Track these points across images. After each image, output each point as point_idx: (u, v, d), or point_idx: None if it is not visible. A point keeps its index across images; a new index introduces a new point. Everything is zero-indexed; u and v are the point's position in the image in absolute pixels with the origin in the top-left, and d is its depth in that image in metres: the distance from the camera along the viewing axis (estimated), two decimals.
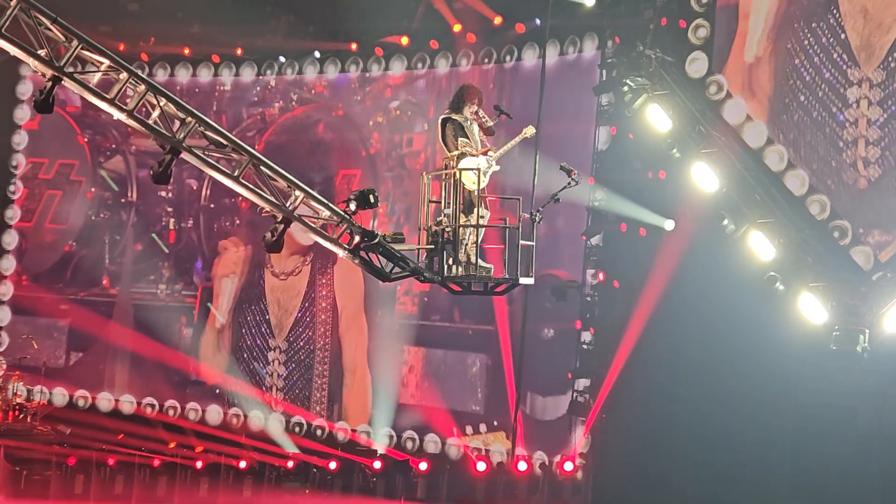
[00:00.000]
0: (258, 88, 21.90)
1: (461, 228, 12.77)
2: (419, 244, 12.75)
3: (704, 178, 18.27)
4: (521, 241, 12.65)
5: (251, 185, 11.95)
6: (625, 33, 19.68)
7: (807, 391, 17.86)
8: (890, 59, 17.05)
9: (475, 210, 12.77)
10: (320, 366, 19.22)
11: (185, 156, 11.78)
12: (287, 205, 12.07)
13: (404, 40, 22.55)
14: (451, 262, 12.70)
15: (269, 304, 19.21)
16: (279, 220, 12.09)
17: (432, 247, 12.65)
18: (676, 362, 18.75)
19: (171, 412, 21.50)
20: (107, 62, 11.52)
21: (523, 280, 12.86)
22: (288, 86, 22.07)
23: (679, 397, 18.68)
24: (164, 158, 11.54)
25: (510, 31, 21.12)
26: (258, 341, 19.07)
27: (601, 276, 19.91)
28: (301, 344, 19.11)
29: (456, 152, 12.80)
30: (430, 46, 21.89)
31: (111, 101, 11.52)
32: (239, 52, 23.35)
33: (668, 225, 18.99)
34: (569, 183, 12.98)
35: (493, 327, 20.59)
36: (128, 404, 21.59)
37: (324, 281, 19.26)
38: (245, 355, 19.18)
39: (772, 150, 18.19)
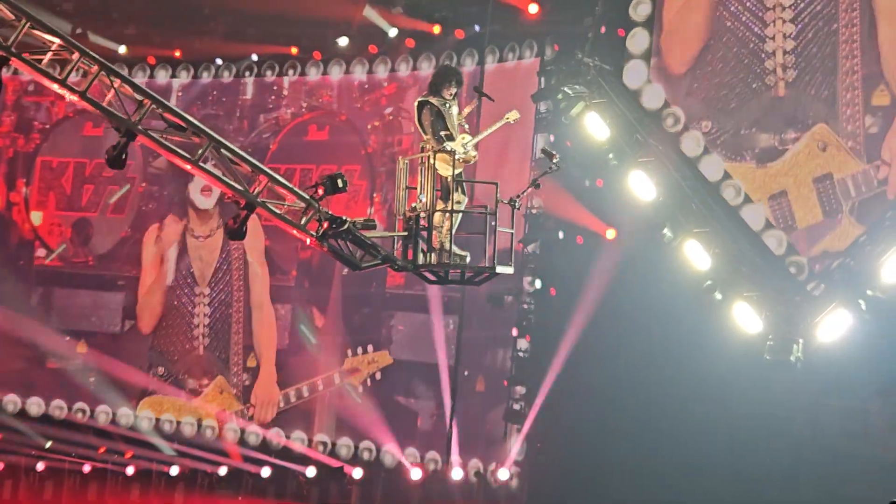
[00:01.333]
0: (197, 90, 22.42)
1: (437, 215, 12.36)
2: (396, 231, 12.61)
3: (642, 186, 18.33)
4: (499, 228, 12.24)
5: (212, 170, 11.58)
6: (564, 41, 19.62)
7: (741, 400, 17.90)
8: None
9: (452, 196, 12.41)
10: (236, 303, 20.12)
11: (141, 139, 11.38)
12: (251, 190, 11.66)
13: (342, 41, 22.58)
14: (424, 249, 12.31)
15: (192, 259, 20.15)
16: (242, 206, 11.70)
17: (405, 234, 12.26)
18: (613, 370, 18.83)
19: (102, 417, 21.18)
20: (58, 41, 11.09)
21: (500, 269, 12.48)
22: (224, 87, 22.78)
23: (615, 405, 18.75)
24: (118, 142, 11.06)
25: (449, 38, 21.02)
26: (186, 290, 20.33)
27: (538, 284, 19.97)
28: (221, 287, 20.30)
29: (430, 136, 12.39)
30: (368, 51, 21.80)
31: (62, 83, 11.15)
32: (178, 54, 23.41)
33: (610, 234, 18.92)
34: (550, 167, 12.76)
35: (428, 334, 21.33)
36: (58, 410, 21.42)
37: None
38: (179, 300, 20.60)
39: (708, 159, 18.26)
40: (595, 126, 18.03)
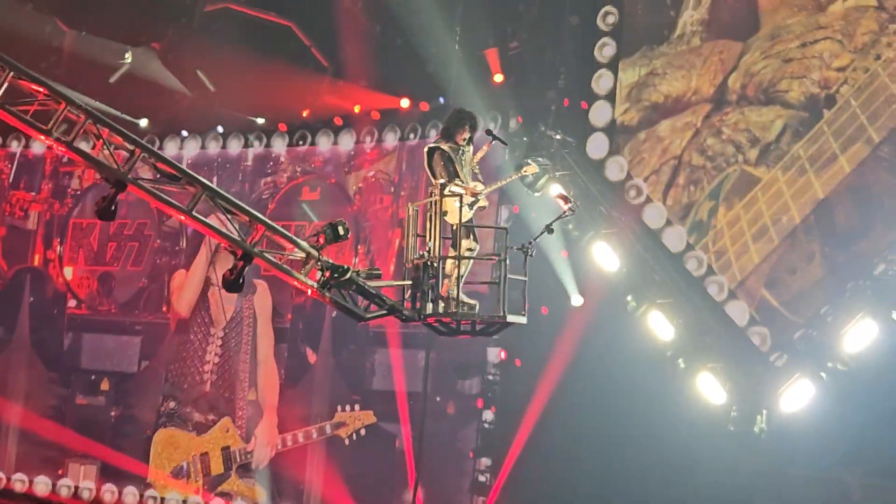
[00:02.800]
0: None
1: (448, 264, 11.48)
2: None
3: (605, 257, 17.51)
4: (510, 275, 11.52)
5: (207, 221, 10.92)
6: (528, 113, 18.80)
7: (706, 470, 16.88)
8: None
9: (461, 242, 11.54)
10: (244, 353, 22.05)
11: (132, 189, 10.67)
12: (248, 240, 10.93)
13: (305, 113, 22.79)
14: (431, 298, 11.40)
15: (211, 303, 22.27)
16: (239, 256, 10.95)
17: (410, 282, 11.49)
18: (578, 440, 17.77)
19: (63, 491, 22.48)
20: (42, 90, 10.61)
21: (512, 318, 11.60)
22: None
23: (580, 475, 17.71)
24: (108, 193, 10.54)
25: (414, 109, 20.25)
26: (203, 327, 22.41)
27: (503, 355, 19.03)
28: (233, 335, 22.16)
29: (441, 180, 11.56)
30: (333, 123, 21.33)
31: (48, 133, 10.56)
32: (144, 123, 23.61)
33: (576, 300, 18.30)
34: (564, 212, 12.00)
35: (391, 406, 20.07)
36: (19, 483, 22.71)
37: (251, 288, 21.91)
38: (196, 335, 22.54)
39: (671, 231, 17.48)
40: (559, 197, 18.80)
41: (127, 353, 23.98)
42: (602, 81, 18.01)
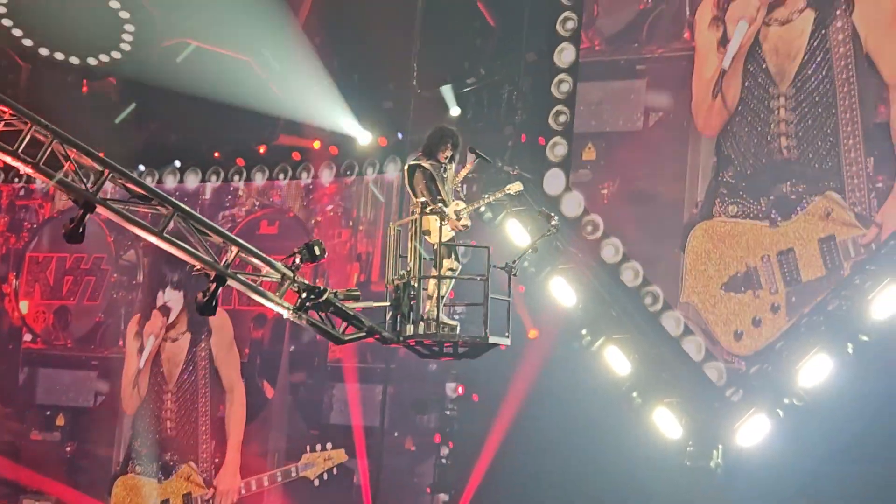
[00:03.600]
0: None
1: (431, 284, 11.16)
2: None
3: (562, 293, 17.50)
4: (492, 296, 11.14)
5: (178, 242, 10.56)
6: (485, 149, 20.22)
7: None
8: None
9: (443, 262, 11.22)
10: (202, 399, 22.01)
11: (101, 211, 10.30)
12: (221, 262, 10.55)
13: (262, 150, 22.74)
14: (412, 319, 11.05)
15: (163, 360, 22.29)
16: (212, 278, 10.55)
17: (390, 304, 11.16)
18: (535, 476, 17.69)
19: None
20: (8, 110, 10.25)
21: (495, 339, 11.20)
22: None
23: None
24: (76, 215, 10.16)
25: (372, 145, 20.17)
26: (160, 385, 22.34)
27: (461, 390, 18.97)
28: (186, 387, 22.18)
29: (421, 199, 11.30)
30: (291, 158, 21.27)
31: (14, 153, 10.20)
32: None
33: (532, 333, 18.08)
34: (548, 230, 11.65)
35: (348, 441, 19.88)
36: None
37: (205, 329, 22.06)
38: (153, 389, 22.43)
39: (627, 266, 17.46)
40: (516, 233, 17.17)
41: (83, 387, 23.85)
42: (559, 117, 18.05)
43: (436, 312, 11.18)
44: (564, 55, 18.11)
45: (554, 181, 17.96)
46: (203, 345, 22.16)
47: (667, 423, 16.77)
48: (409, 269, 11.13)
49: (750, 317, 16.83)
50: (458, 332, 11.23)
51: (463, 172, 11.83)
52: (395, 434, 19.50)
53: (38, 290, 24.64)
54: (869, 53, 16.38)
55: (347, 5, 20.30)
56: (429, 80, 18.81)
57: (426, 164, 11.48)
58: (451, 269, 11.30)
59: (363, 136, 20.30)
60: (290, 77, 20.83)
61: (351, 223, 20.77)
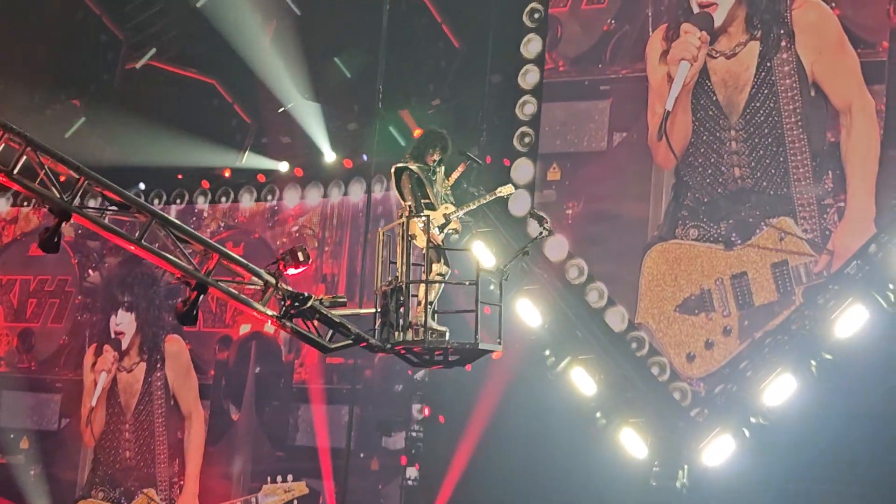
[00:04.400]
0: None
1: (421, 289, 10.83)
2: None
3: (528, 313, 17.38)
4: (482, 301, 10.83)
5: (157, 250, 10.29)
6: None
7: None
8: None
9: (431, 266, 10.95)
10: (159, 428, 21.89)
11: (77, 219, 10.09)
12: (201, 269, 10.24)
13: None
14: (402, 326, 10.70)
15: (119, 391, 22.09)
16: (192, 286, 10.27)
17: (373, 310, 10.85)
18: (501, 497, 17.58)
19: None
20: None
21: (485, 346, 10.88)
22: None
23: None
24: (52, 224, 9.97)
25: (337, 166, 20.08)
26: (118, 415, 22.22)
27: (427, 412, 18.91)
28: (143, 417, 21.96)
29: (409, 203, 11.02)
30: (256, 180, 21.11)
31: None
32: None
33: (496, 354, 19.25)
34: (541, 233, 11.39)
35: (314, 463, 19.82)
36: None
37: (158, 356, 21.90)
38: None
39: (592, 287, 17.41)
40: (481, 254, 16.68)
41: (47, 410, 23.69)
42: (524, 139, 18.07)
43: (426, 318, 10.86)
44: (529, 77, 18.14)
45: (519, 203, 17.96)
46: (158, 374, 22.05)
47: (633, 443, 16.74)
48: (396, 274, 10.83)
49: (702, 339, 16.85)
50: (447, 337, 10.93)
51: (454, 175, 11.59)
52: (361, 455, 19.40)
53: (2, 313, 24.50)
54: (817, 81, 16.50)
55: (311, 27, 20.26)
56: (393, 101, 18.80)
57: (413, 167, 11.24)
58: (439, 275, 11.03)
59: (328, 158, 20.26)
60: (255, 99, 20.78)
61: (316, 244, 20.73)
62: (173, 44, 20.98)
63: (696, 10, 17.21)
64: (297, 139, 20.37)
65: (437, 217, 11.11)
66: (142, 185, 21.66)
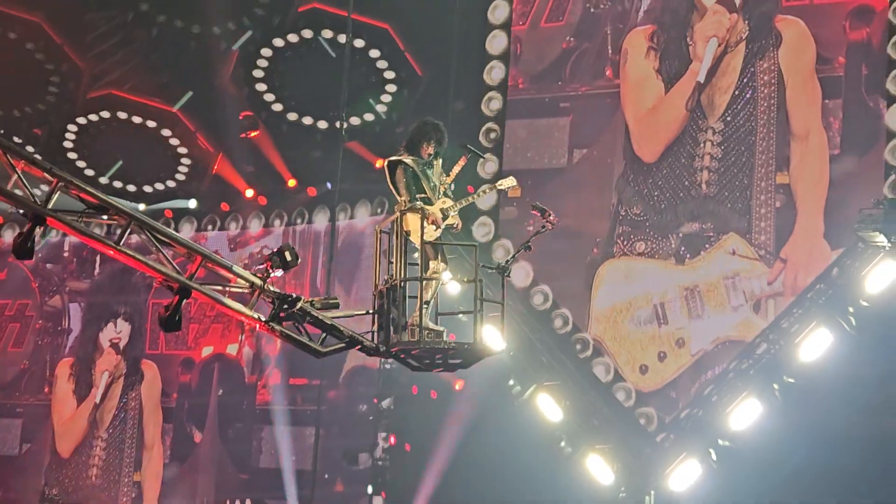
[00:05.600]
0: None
1: (415, 287, 10.15)
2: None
3: (492, 340, 19.35)
4: (480, 298, 10.28)
5: (136, 254, 9.83)
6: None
7: None
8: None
9: (428, 264, 10.33)
10: (128, 449, 21.86)
11: (52, 223, 9.61)
12: (184, 272, 9.77)
13: (192, 203, 22.57)
14: (401, 327, 10.09)
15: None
16: (175, 290, 9.78)
17: (364, 311, 10.40)
18: None
19: None
20: None
21: (485, 346, 10.40)
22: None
23: None
24: (25, 228, 9.47)
25: (301, 195, 20.03)
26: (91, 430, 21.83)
27: (393, 440, 18.78)
28: (117, 433, 21.86)
29: (404, 198, 10.44)
30: (220, 208, 21.14)
31: None
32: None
33: (458, 385, 17.88)
34: (543, 226, 10.72)
35: (278, 485, 19.59)
36: None
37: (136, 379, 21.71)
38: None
39: (557, 313, 17.46)
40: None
41: (8, 435, 23.44)
42: (487, 165, 18.04)
43: (424, 318, 10.25)
44: (492, 104, 18.12)
45: (482, 229, 17.92)
46: (134, 393, 21.86)
47: (599, 469, 16.66)
48: (390, 274, 10.24)
49: (655, 351, 16.85)
50: (444, 337, 10.26)
51: (455, 170, 10.93)
52: (326, 476, 19.29)
53: None
54: (785, 100, 16.61)
55: (274, 56, 20.19)
56: (357, 130, 18.76)
57: (408, 160, 10.62)
58: (435, 272, 10.40)
59: (292, 186, 20.19)
60: (219, 128, 20.68)
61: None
62: (134, 73, 20.82)
63: (705, 2, 17.36)
64: (261, 168, 20.26)
65: (433, 213, 10.50)
66: (192, 203, 21.40)
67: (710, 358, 16.73)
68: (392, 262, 10.28)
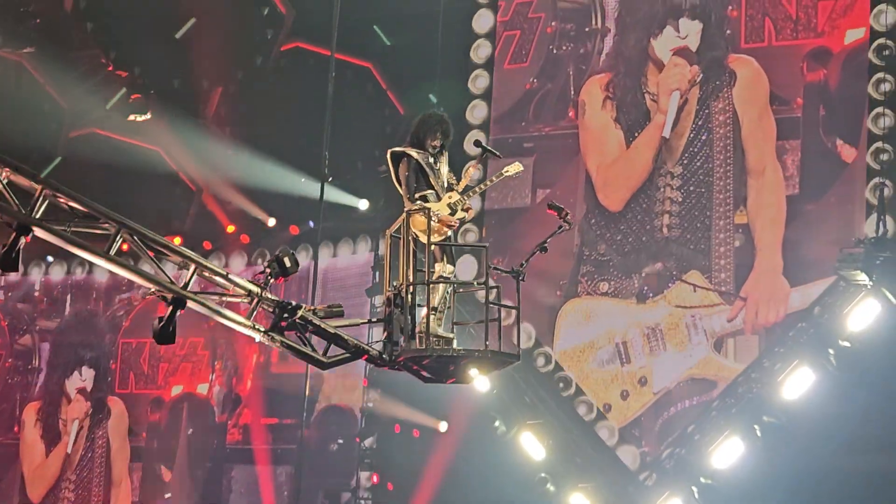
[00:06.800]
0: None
1: (421, 292, 9.49)
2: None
3: (476, 379, 19.27)
4: (492, 304, 9.59)
5: (128, 263, 9.47)
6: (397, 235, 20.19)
7: None
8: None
9: (434, 266, 9.63)
10: (96, 488, 21.67)
11: (39, 233, 9.12)
12: (178, 282, 9.30)
13: (177, 240, 22.51)
14: (404, 335, 9.47)
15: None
16: (169, 301, 9.37)
17: (366, 320, 10.11)
18: None
19: None
20: None
21: (499, 352, 9.60)
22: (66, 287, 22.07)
23: None
24: (10, 238, 8.97)
25: (283, 233, 19.95)
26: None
27: (375, 479, 18.61)
28: (85, 474, 21.69)
29: (408, 194, 9.84)
30: (202, 247, 20.92)
31: None
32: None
33: (443, 426, 17.91)
34: (560, 226, 10.12)
35: None
36: None
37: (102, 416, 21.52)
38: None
39: (540, 351, 17.51)
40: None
41: None
42: (471, 201, 18.01)
43: (433, 325, 9.58)
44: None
45: (465, 266, 17.93)
46: (101, 432, 21.69)
47: None
48: (394, 283, 9.63)
49: (618, 390, 16.87)
50: (454, 344, 9.59)
51: (470, 171, 10.35)
52: None
53: None
54: (741, 137, 16.81)
55: (257, 94, 20.22)
56: (339, 168, 18.76)
57: (413, 152, 10.01)
58: (443, 275, 9.68)
59: (274, 224, 20.18)
60: (201, 166, 20.67)
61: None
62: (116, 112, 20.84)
63: (658, 55, 17.38)
64: (244, 207, 20.23)
65: (440, 208, 9.78)
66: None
67: (672, 396, 16.79)
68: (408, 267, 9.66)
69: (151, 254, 9.67)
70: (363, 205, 18.34)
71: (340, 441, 18.98)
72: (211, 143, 20.04)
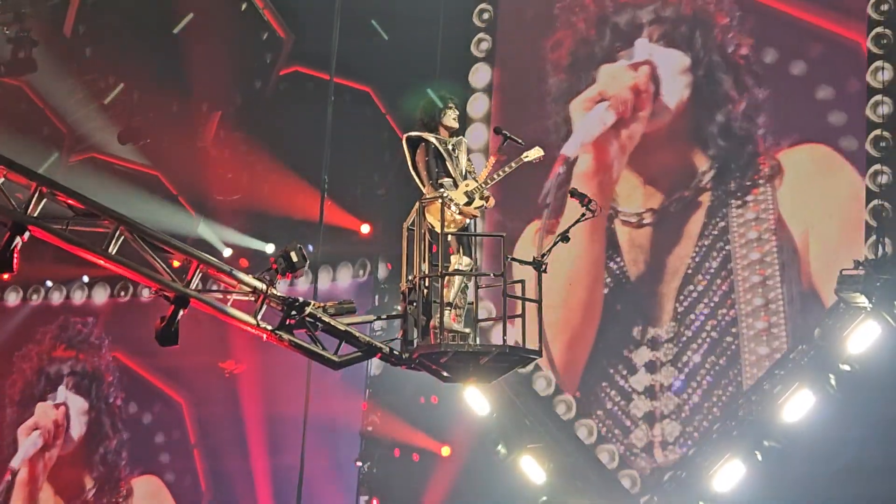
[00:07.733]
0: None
1: (437, 285, 9.01)
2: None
3: (476, 402, 17.14)
4: (508, 296, 8.99)
5: (128, 261, 9.05)
6: (396, 260, 20.30)
7: None
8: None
9: (450, 258, 9.14)
10: None
11: (34, 232, 8.82)
12: (182, 279, 8.88)
13: (176, 263, 22.43)
14: (420, 331, 8.98)
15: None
16: (172, 299, 8.99)
17: (377, 318, 9.43)
18: None
19: None
20: None
21: (518, 348, 8.97)
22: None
23: None
24: (5, 238, 8.64)
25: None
26: None
27: (375, 503, 18.64)
28: None
29: (426, 181, 9.33)
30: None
31: None
32: (6, 277, 22.57)
33: (445, 451, 17.85)
34: (583, 214, 9.36)
35: None
36: None
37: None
38: None
39: (539, 375, 17.44)
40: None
41: None
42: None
43: (442, 320, 9.04)
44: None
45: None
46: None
47: None
48: (409, 277, 9.18)
49: None
50: (469, 340, 9.03)
51: (491, 160, 9.61)
52: None
53: None
54: None
55: (256, 118, 20.25)
56: (339, 192, 18.78)
57: (431, 138, 9.39)
58: (457, 266, 9.13)
59: (272, 249, 20.18)
60: (199, 189, 20.66)
61: None
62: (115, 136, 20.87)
63: None
64: (243, 231, 20.23)
65: (457, 197, 9.22)
66: (85, 278, 21.26)
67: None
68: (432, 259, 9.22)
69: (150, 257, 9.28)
70: (364, 228, 18.32)
71: (339, 465, 18.88)
72: (209, 167, 20.04)
